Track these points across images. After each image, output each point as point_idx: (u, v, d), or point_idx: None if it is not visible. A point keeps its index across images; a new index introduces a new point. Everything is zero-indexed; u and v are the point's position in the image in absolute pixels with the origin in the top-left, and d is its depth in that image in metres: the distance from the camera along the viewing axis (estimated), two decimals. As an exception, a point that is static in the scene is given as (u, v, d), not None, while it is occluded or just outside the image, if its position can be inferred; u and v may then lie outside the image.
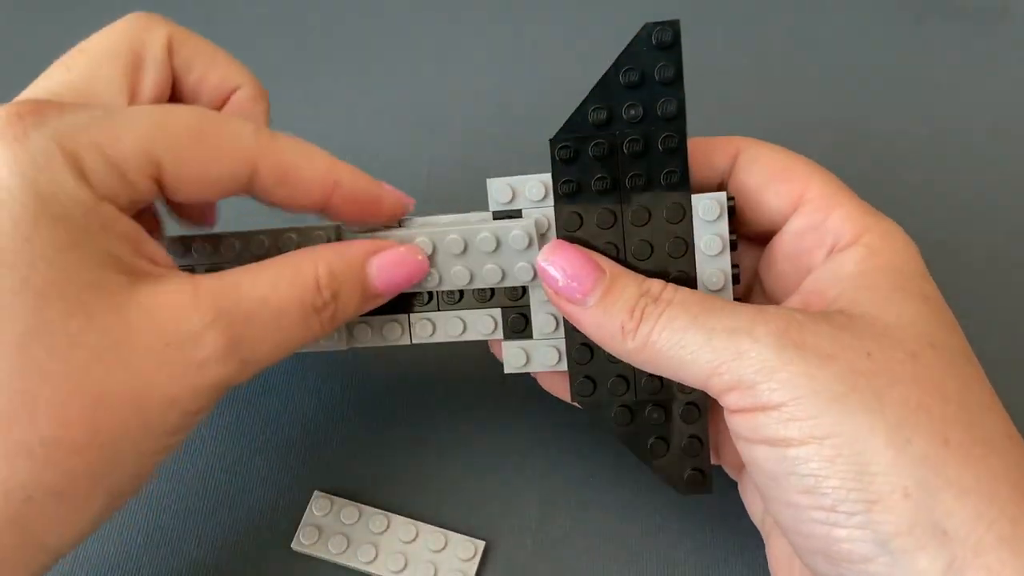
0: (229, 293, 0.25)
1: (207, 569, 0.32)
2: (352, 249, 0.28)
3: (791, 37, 0.49)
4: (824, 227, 0.27)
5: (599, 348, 0.28)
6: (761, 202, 0.28)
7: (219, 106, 0.31)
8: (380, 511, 0.32)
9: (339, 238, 0.30)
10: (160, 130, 0.25)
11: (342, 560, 0.31)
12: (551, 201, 0.28)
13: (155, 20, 0.29)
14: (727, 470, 0.30)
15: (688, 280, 0.28)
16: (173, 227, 0.31)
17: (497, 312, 0.30)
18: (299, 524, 0.32)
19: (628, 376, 0.29)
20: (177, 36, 0.29)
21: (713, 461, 0.30)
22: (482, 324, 0.30)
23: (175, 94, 0.30)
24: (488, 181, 0.29)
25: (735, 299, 0.28)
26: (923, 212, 0.40)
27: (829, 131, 0.45)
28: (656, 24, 0.27)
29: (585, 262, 0.27)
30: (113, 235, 0.24)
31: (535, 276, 0.28)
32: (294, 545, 0.32)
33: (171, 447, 0.26)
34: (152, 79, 0.29)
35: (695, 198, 0.28)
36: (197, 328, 0.24)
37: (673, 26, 0.27)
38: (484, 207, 0.29)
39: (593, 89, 0.27)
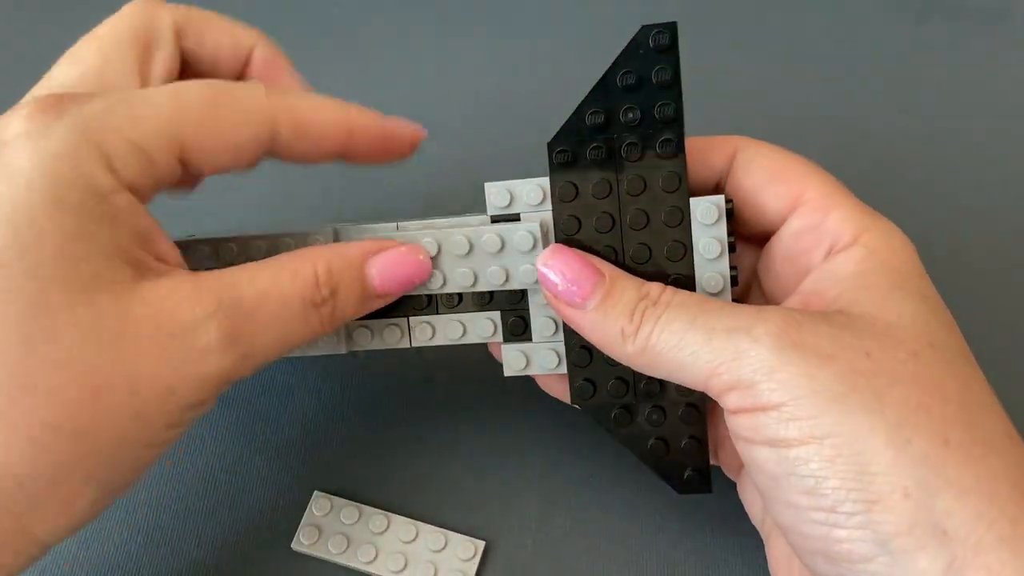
0: (230, 287, 0.25)
1: (207, 569, 0.32)
2: (351, 249, 0.28)
3: (791, 37, 0.49)
4: (822, 228, 0.27)
5: (599, 351, 0.28)
6: (759, 203, 0.28)
7: (239, 73, 0.31)
8: (380, 511, 0.32)
9: (337, 241, 0.30)
10: (178, 107, 0.25)
11: (342, 560, 0.31)
12: (549, 205, 0.28)
13: (158, 3, 0.30)
14: (726, 471, 0.30)
15: (687, 283, 0.28)
16: (172, 230, 0.31)
17: (496, 315, 0.30)
18: (299, 524, 0.32)
19: (627, 378, 0.29)
20: (182, 15, 0.30)
21: (712, 462, 0.30)
22: (481, 327, 0.30)
23: (192, 72, 0.31)
24: (486, 185, 0.29)
25: (733, 300, 0.28)
26: (923, 212, 0.40)
27: (829, 131, 0.45)
28: (653, 27, 0.27)
29: (584, 266, 0.27)
30: (125, 228, 0.24)
31: (538, 279, 0.28)
32: (294, 545, 0.32)
33: (168, 441, 0.26)
34: (161, 62, 0.29)
35: (694, 201, 0.28)
36: (198, 318, 0.24)
37: (671, 29, 0.27)
38: (483, 208, 0.29)
39: (590, 92, 0.27)
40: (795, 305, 0.27)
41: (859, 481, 0.22)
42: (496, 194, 0.29)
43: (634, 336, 0.26)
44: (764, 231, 0.29)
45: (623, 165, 0.28)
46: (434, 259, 0.29)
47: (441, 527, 0.32)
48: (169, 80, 0.29)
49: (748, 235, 0.30)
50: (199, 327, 0.24)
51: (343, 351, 0.30)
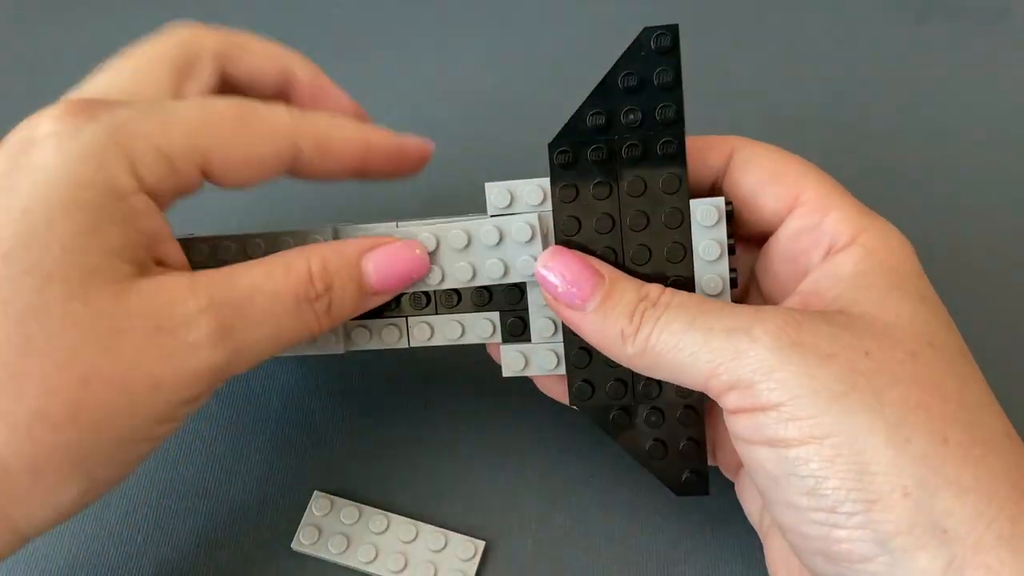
0: (224, 283, 0.26)
1: (207, 569, 0.32)
2: (347, 245, 0.28)
3: (791, 37, 0.49)
4: (821, 228, 0.27)
5: (597, 352, 0.28)
6: (757, 204, 0.28)
7: (279, 96, 0.32)
8: (380, 511, 0.32)
9: (336, 239, 0.30)
10: (205, 120, 0.26)
11: (342, 560, 0.31)
12: (549, 205, 0.28)
13: (201, 28, 0.31)
14: (723, 471, 0.30)
15: (686, 284, 0.28)
16: (172, 229, 0.31)
17: (495, 316, 0.30)
18: (299, 524, 0.32)
19: (626, 379, 0.29)
20: (224, 41, 0.30)
21: (710, 462, 0.30)
22: (480, 327, 0.30)
23: (231, 94, 0.31)
24: (486, 185, 0.29)
25: (733, 301, 0.28)
26: (922, 212, 0.40)
27: (829, 131, 0.45)
28: (655, 28, 0.27)
29: (584, 268, 0.27)
30: (136, 229, 0.25)
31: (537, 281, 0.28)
32: (294, 545, 0.32)
33: (160, 437, 0.26)
34: (199, 84, 0.30)
35: (693, 203, 0.28)
36: (190, 314, 0.25)
37: (672, 31, 0.27)
38: (483, 208, 0.29)
39: (591, 93, 0.27)
40: (794, 305, 0.27)
41: (859, 481, 0.22)
42: (496, 194, 0.29)
43: (634, 337, 0.26)
44: (762, 232, 0.29)
45: (624, 166, 0.28)
46: (433, 254, 0.29)
47: (441, 527, 0.32)
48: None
49: (745, 235, 0.30)
50: (191, 323, 0.25)
51: (341, 351, 0.30)
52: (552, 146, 0.28)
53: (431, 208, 0.41)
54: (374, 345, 0.31)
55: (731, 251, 0.28)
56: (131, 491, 0.33)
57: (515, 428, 0.35)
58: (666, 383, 0.29)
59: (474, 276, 0.29)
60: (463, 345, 0.30)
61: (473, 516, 0.33)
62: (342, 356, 0.31)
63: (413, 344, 0.30)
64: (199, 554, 0.32)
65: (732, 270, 0.28)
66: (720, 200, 0.28)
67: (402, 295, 0.30)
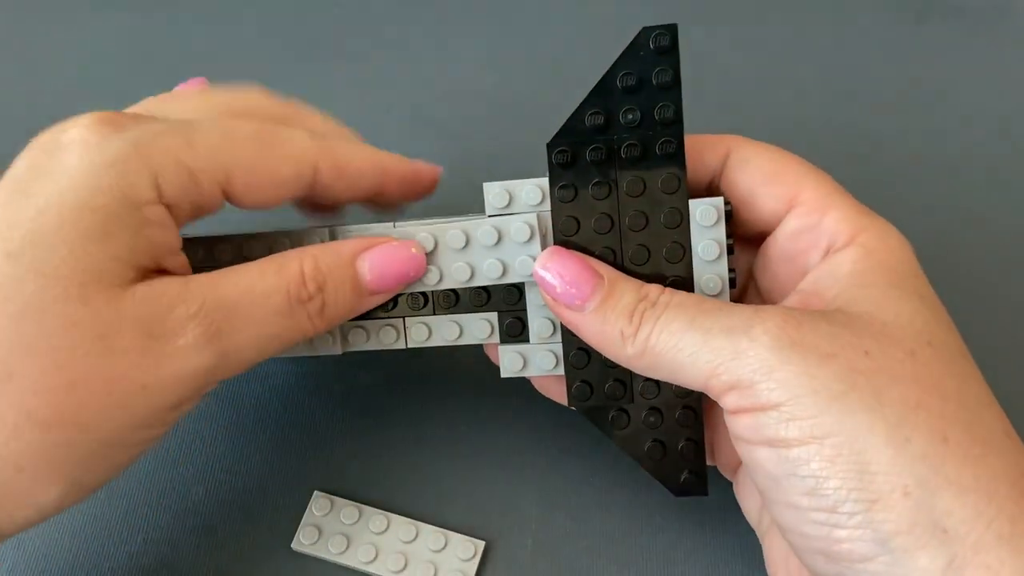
0: (216, 286, 0.26)
1: (207, 569, 0.32)
2: (342, 245, 0.29)
3: (790, 37, 0.49)
4: (819, 228, 0.27)
5: (596, 352, 0.28)
6: (755, 204, 0.28)
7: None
8: (380, 511, 0.32)
9: (333, 239, 0.30)
10: (229, 139, 0.27)
11: (342, 560, 0.31)
12: (548, 205, 0.28)
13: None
14: (722, 470, 0.30)
15: (685, 284, 0.28)
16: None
17: (494, 316, 0.30)
18: (299, 524, 0.32)
19: (625, 380, 0.29)
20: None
21: (709, 462, 0.30)
22: (478, 328, 0.30)
23: None
24: (485, 185, 0.29)
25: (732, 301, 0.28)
26: (921, 212, 0.41)
27: (829, 130, 0.45)
28: (654, 28, 0.27)
29: (583, 268, 0.27)
30: (144, 238, 0.25)
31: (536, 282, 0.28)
32: (294, 545, 0.32)
33: (146, 442, 0.26)
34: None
35: (692, 203, 0.28)
36: (180, 319, 0.25)
37: (671, 30, 0.27)
38: (482, 208, 0.29)
39: (590, 93, 0.27)
40: (793, 305, 0.27)
41: (859, 480, 0.22)
42: (495, 194, 0.29)
43: (633, 338, 0.26)
44: (759, 231, 0.29)
45: (622, 166, 0.28)
46: (431, 255, 0.29)
47: (441, 527, 0.32)
48: None
49: (743, 235, 0.30)
50: (180, 328, 0.25)
51: (338, 352, 0.30)
52: (551, 146, 0.28)
53: (429, 208, 0.41)
54: (371, 346, 0.30)
55: (730, 251, 0.28)
56: (131, 491, 0.33)
57: (515, 428, 0.35)
58: (664, 383, 0.29)
59: (472, 276, 0.29)
60: (463, 345, 0.30)
61: (473, 516, 0.33)
62: (341, 356, 0.31)
63: (411, 345, 0.30)
64: (199, 554, 0.32)
65: (731, 270, 0.28)
66: (719, 200, 0.28)
67: (399, 296, 0.30)
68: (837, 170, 0.29)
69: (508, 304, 0.30)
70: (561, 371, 0.29)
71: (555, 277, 0.27)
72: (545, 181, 0.28)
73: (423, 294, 0.30)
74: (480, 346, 0.31)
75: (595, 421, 0.29)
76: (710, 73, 0.46)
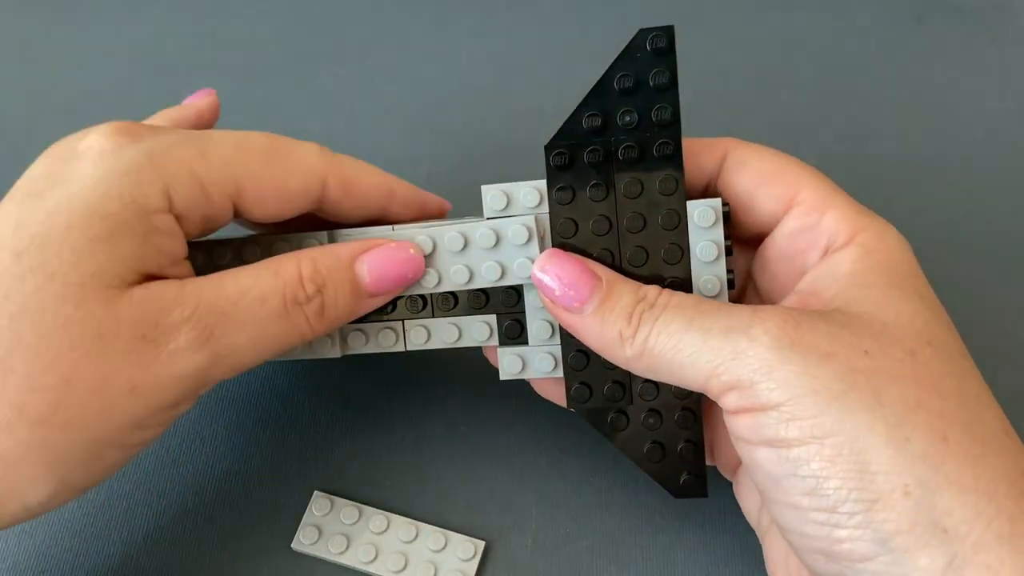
0: (211, 288, 0.26)
1: (207, 569, 0.32)
2: (341, 247, 0.29)
3: (790, 37, 0.49)
4: (818, 228, 0.27)
5: (595, 354, 0.28)
6: (753, 205, 0.28)
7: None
8: (380, 511, 0.33)
9: (332, 243, 0.30)
10: (241, 152, 0.28)
11: (342, 560, 0.31)
12: (546, 207, 0.28)
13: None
14: (721, 470, 0.30)
15: (684, 286, 0.28)
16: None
17: (492, 318, 0.30)
18: (299, 524, 0.32)
19: (624, 382, 0.29)
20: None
21: (708, 462, 0.30)
22: (477, 331, 0.30)
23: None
24: (483, 188, 0.29)
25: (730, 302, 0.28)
26: (921, 212, 0.41)
27: (829, 130, 0.45)
28: (651, 30, 0.27)
29: (582, 271, 0.27)
30: (151, 245, 0.26)
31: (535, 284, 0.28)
32: (294, 545, 0.32)
33: (139, 443, 0.26)
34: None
35: (690, 204, 0.28)
36: (174, 322, 0.25)
37: (668, 32, 0.27)
38: (480, 210, 0.29)
39: (588, 95, 0.27)
40: (792, 305, 0.27)
41: (859, 480, 0.22)
42: (493, 197, 0.29)
43: (632, 339, 0.26)
44: (757, 232, 0.29)
45: (620, 168, 0.28)
46: (429, 257, 0.29)
47: (441, 527, 0.32)
48: None
49: (741, 237, 0.30)
50: (174, 330, 0.25)
51: (338, 355, 0.31)
52: (548, 148, 0.28)
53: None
54: (370, 349, 0.30)
55: (728, 252, 0.28)
56: (131, 491, 0.33)
57: (515, 428, 0.35)
58: (663, 385, 0.29)
59: (471, 279, 0.29)
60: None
61: (473, 516, 0.33)
62: (341, 358, 0.31)
63: (410, 348, 0.30)
64: (199, 554, 0.32)
65: (729, 271, 0.28)
66: (717, 201, 0.28)
67: (398, 298, 0.30)
68: (837, 170, 0.29)
69: (507, 306, 0.30)
70: (560, 373, 0.29)
71: (553, 279, 0.27)
72: (543, 183, 0.28)
73: (422, 297, 0.30)
74: (480, 347, 0.31)
75: (594, 423, 0.29)
76: (709, 73, 0.46)
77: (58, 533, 0.32)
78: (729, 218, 0.28)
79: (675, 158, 0.27)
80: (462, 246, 0.29)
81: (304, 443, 0.35)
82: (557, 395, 0.31)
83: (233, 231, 0.31)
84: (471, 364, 0.36)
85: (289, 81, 0.48)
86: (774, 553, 0.27)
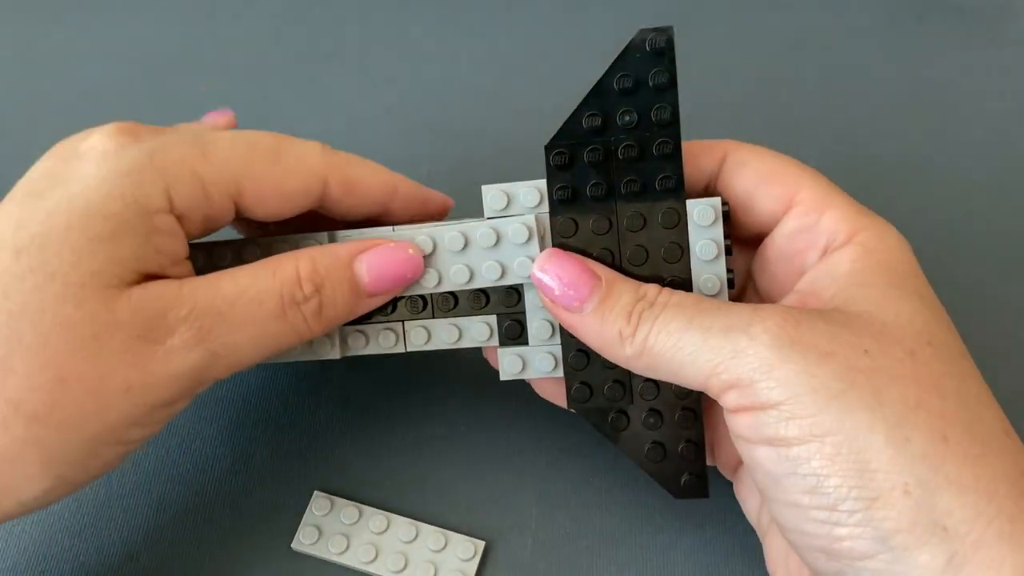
0: (209, 288, 0.26)
1: (207, 569, 0.32)
2: (339, 247, 0.29)
3: (790, 37, 0.49)
4: (817, 228, 0.27)
5: (595, 354, 0.28)
6: (752, 205, 0.28)
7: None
8: (380, 511, 0.33)
9: (332, 243, 0.30)
10: (242, 151, 0.28)
11: (342, 560, 0.31)
12: (546, 207, 0.28)
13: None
14: (722, 470, 0.30)
15: (683, 285, 0.28)
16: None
17: (492, 319, 0.30)
18: (299, 524, 0.32)
19: (624, 381, 0.29)
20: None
21: (709, 462, 0.30)
22: (477, 331, 0.30)
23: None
24: (483, 188, 0.29)
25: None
26: (921, 212, 0.41)
27: (828, 131, 0.45)
28: (650, 30, 0.27)
29: (581, 270, 0.27)
30: (151, 245, 0.26)
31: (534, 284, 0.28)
32: (294, 545, 0.32)
33: (135, 441, 0.26)
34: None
35: (690, 203, 0.28)
36: (171, 323, 0.25)
37: (667, 32, 0.27)
38: (481, 210, 0.29)
39: (587, 95, 0.27)
40: (792, 304, 0.27)
41: (860, 479, 0.22)
42: (493, 196, 0.29)
43: (632, 338, 0.26)
44: (757, 233, 0.29)
45: (620, 168, 0.28)
46: (429, 257, 0.29)
47: (441, 527, 0.32)
48: None
49: (740, 237, 0.30)
50: (171, 329, 0.25)
51: (337, 356, 0.30)
52: (548, 148, 0.28)
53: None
54: (370, 350, 0.30)
55: (727, 251, 0.28)
56: (132, 491, 0.33)
57: (515, 428, 0.35)
58: (664, 384, 0.29)
59: (471, 279, 0.29)
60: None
61: (473, 516, 0.33)
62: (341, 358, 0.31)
63: (409, 349, 0.30)
64: (199, 554, 0.32)
65: (729, 270, 0.28)
66: (717, 200, 0.28)
67: (398, 299, 0.30)
68: (837, 170, 0.29)
69: (507, 306, 0.30)
70: (560, 373, 0.29)
71: (553, 279, 0.27)
72: (543, 183, 0.28)
73: (422, 297, 0.30)
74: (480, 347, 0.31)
75: (594, 423, 0.29)
76: (709, 73, 0.46)
77: (57, 534, 0.32)
78: (729, 217, 0.28)
79: (675, 157, 0.27)
80: (462, 246, 0.29)
81: (304, 443, 0.35)
82: (557, 395, 0.31)
83: (233, 234, 0.31)
84: (471, 364, 0.36)
85: (289, 81, 0.48)
86: (774, 552, 0.27)
